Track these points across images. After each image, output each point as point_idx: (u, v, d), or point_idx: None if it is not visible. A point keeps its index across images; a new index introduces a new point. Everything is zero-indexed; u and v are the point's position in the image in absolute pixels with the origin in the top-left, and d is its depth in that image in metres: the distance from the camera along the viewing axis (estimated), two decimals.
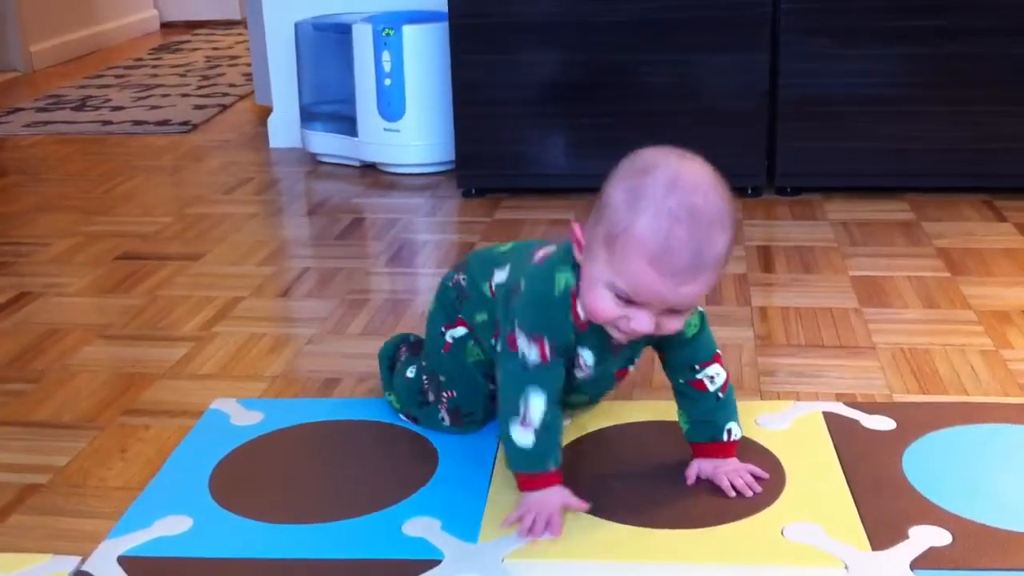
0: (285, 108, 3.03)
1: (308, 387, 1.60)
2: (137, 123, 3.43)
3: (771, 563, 1.12)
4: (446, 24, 2.47)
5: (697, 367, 1.26)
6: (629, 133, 2.41)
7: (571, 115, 2.45)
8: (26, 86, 4.16)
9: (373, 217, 2.46)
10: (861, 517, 1.19)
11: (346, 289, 1.99)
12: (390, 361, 1.51)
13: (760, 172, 2.42)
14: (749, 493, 1.24)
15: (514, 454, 1.20)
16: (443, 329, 1.38)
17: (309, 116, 2.87)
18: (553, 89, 2.44)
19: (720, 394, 1.27)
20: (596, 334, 1.21)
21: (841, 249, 2.10)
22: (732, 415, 1.28)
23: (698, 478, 1.27)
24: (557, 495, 1.19)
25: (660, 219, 1.07)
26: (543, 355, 1.19)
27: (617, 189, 1.12)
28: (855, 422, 1.40)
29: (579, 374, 1.26)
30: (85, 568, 1.15)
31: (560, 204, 2.44)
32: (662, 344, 1.27)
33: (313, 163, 2.89)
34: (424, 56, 2.63)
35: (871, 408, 1.44)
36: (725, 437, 1.27)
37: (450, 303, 1.39)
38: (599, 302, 1.13)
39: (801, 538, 1.16)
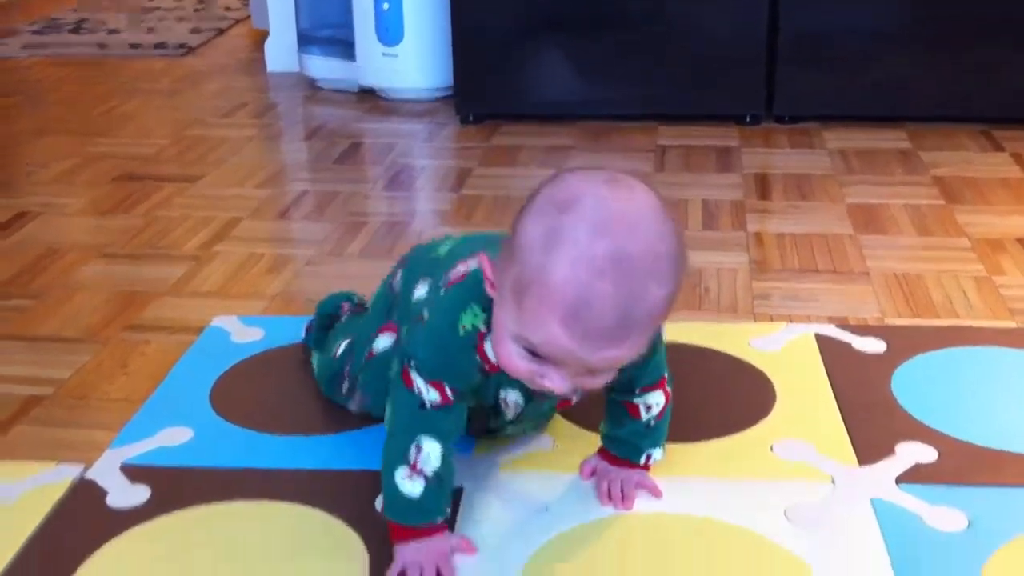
0: (282, 32, 3.01)
1: (307, 306, 1.61)
2: (133, 46, 3.41)
3: (760, 477, 1.15)
4: None
5: (637, 391, 1.09)
6: (628, 60, 2.41)
7: (570, 42, 2.44)
8: (21, 10, 4.12)
9: (371, 142, 2.46)
10: (849, 434, 1.21)
11: (344, 212, 1.99)
12: (328, 319, 1.39)
13: (759, 100, 2.42)
14: (624, 507, 1.09)
15: (395, 502, 1.02)
16: (374, 332, 1.21)
17: (306, 40, 2.86)
18: (553, 15, 2.43)
19: (653, 422, 1.10)
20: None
21: (838, 177, 2.11)
22: (658, 441, 1.12)
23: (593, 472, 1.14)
24: (442, 541, 1.02)
25: (579, 271, 0.85)
26: (444, 398, 1.02)
27: (531, 225, 0.89)
28: (846, 344, 1.42)
29: (508, 414, 1.12)
30: (89, 476, 1.17)
31: (558, 131, 2.44)
32: None
33: (311, 88, 2.88)
34: None
35: (862, 331, 1.46)
36: (642, 461, 1.12)
37: (384, 306, 1.23)
38: (507, 357, 0.95)
39: (790, 454, 1.18)
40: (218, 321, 1.53)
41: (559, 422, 1.24)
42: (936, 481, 1.13)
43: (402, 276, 1.22)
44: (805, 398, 1.30)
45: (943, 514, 1.07)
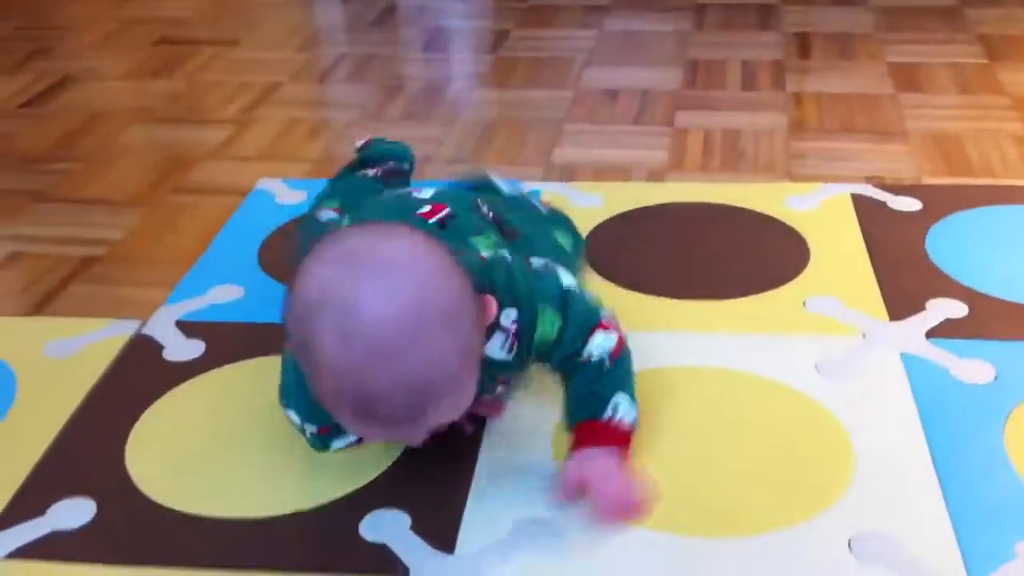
0: None
1: None
2: None
3: (792, 332, 1.18)
4: None
5: (581, 350, 0.96)
6: None
7: None
8: None
9: (406, 4, 2.44)
10: (881, 291, 1.24)
11: (383, 75, 2.00)
12: (360, 164, 1.35)
13: None
14: (635, 516, 0.92)
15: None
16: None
17: None
18: None
19: (607, 363, 0.96)
20: None
21: (880, 35, 2.08)
22: (625, 386, 0.97)
23: (571, 486, 0.93)
24: None
25: (336, 381, 0.80)
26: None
27: (292, 327, 0.84)
28: (882, 203, 1.43)
29: None
30: (145, 331, 1.22)
31: None
32: (515, 366, 0.97)
33: None
34: None
35: (898, 190, 1.47)
36: (607, 415, 0.95)
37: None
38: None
39: (821, 309, 1.21)
40: (263, 184, 1.56)
41: (594, 279, 1.27)
42: (965, 336, 1.16)
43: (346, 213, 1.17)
44: (839, 256, 1.32)
45: (971, 367, 1.10)
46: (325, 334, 0.79)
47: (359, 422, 0.83)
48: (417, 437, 0.86)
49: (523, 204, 1.26)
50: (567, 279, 0.98)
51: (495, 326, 0.92)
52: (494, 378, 0.98)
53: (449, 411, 0.83)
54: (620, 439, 0.95)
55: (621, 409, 0.95)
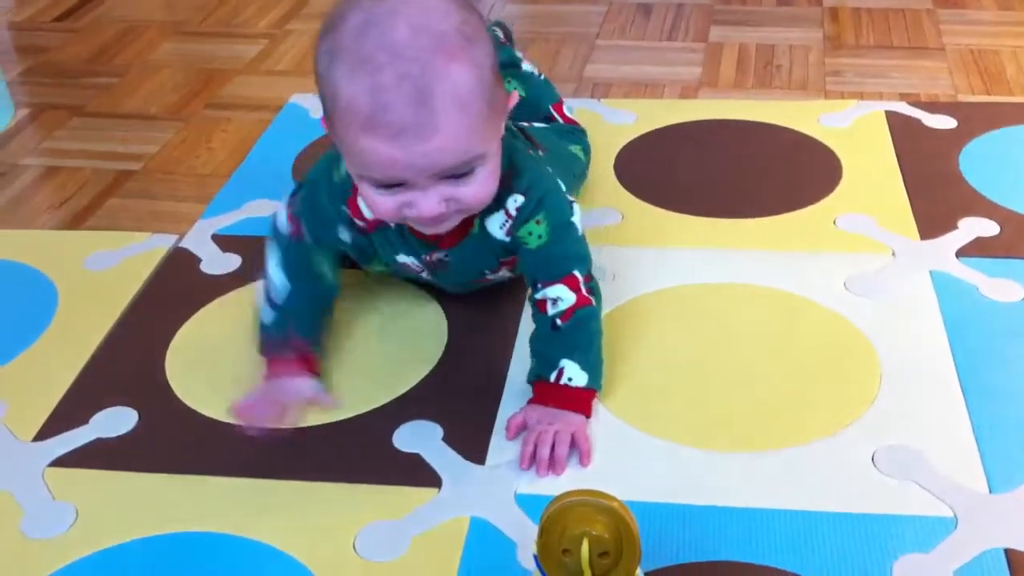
0: None
1: None
2: None
3: (822, 249, 1.18)
4: None
5: (539, 285, 0.98)
6: None
7: None
8: None
9: None
10: (912, 209, 1.24)
11: None
12: None
13: None
14: (554, 472, 0.91)
15: (258, 330, 1.02)
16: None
17: None
18: None
19: (559, 321, 0.96)
20: (399, 238, 1.01)
21: None
22: (573, 353, 0.96)
23: (511, 428, 0.95)
24: (293, 384, 0.97)
25: (356, 73, 0.82)
26: (296, 232, 1.02)
27: (318, 53, 0.87)
28: (916, 121, 1.42)
29: (424, 276, 1.07)
30: (182, 245, 1.25)
31: None
32: (514, 251, 1.01)
33: None
34: None
35: (933, 108, 1.46)
36: (553, 377, 0.95)
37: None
38: (370, 201, 0.91)
39: (852, 227, 1.21)
40: (296, 98, 1.57)
41: (626, 197, 1.28)
42: (996, 255, 1.16)
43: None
44: (871, 174, 1.31)
45: (1000, 286, 1.10)
46: (346, 35, 0.83)
47: (369, 138, 0.83)
48: (442, 171, 0.86)
49: (539, 84, 1.27)
50: (577, 216, 0.99)
51: (500, 204, 0.96)
52: (498, 259, 1.02)
53: (454, 137, 0.84)
54: (571, 401, 0.95)
55: (568, 373, 0.95)
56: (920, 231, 1.20)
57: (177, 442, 0.97)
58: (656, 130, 1.43)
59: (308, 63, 1.69)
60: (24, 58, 1.79)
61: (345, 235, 1.02)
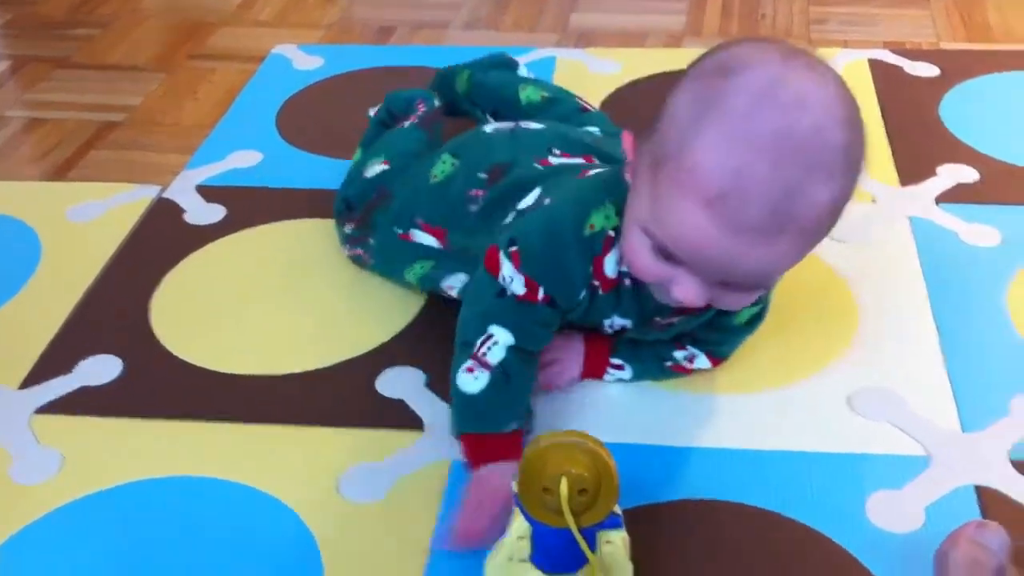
0: None
1: (364, 35, 1.64)
2: None
3: None
4: None
5: (701, 353, 0.94)
6: None
7: None
8: None
9: None
10: (893, 156, 1.24)
11: None
12: (392, 118, 1.20)
13: None
14: (551, 385, 0.94)
15: (458, 406, 0.87)
16: (416, 220, 1.02)
17: None
18: None
19: (671, 367, 0.95)
20: (630, 298, 0.87)
21: None
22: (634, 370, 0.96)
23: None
24: (506, 483, 0.76)
25: (733, 144, 0.69)
26: (531, 296, 0.86)
27: (682, 93, 0.74)
28: (899, 68, 1.43)
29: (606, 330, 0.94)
30: (167, 195, 1.25)
31: None
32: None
33: None
34: None
35: (916, 55, 1.46)
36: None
37: (435, 199, 1.01)
38: (633, 253, 0.79)
39: None
40: (279, 49, 1.57)
41: None
42: (975, 201, 1.16)
43: (461, 167, 1.02)
44: None
45: (978, 231, 1.11)
46: (738, 95, 0.70)
47: (703, 209, 0.70)
48: (735, 276, 0.75)
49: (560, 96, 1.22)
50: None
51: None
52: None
53: (781, 257, 0.74)
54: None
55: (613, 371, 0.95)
56: (901, 177, 1.21)
57: (162, 389, 0.98)
58: (641, 79, 1.44)
59: (292, 13, 1.70)
60: (6, 9, 1.78)
61: (583, 295, 0.87)
